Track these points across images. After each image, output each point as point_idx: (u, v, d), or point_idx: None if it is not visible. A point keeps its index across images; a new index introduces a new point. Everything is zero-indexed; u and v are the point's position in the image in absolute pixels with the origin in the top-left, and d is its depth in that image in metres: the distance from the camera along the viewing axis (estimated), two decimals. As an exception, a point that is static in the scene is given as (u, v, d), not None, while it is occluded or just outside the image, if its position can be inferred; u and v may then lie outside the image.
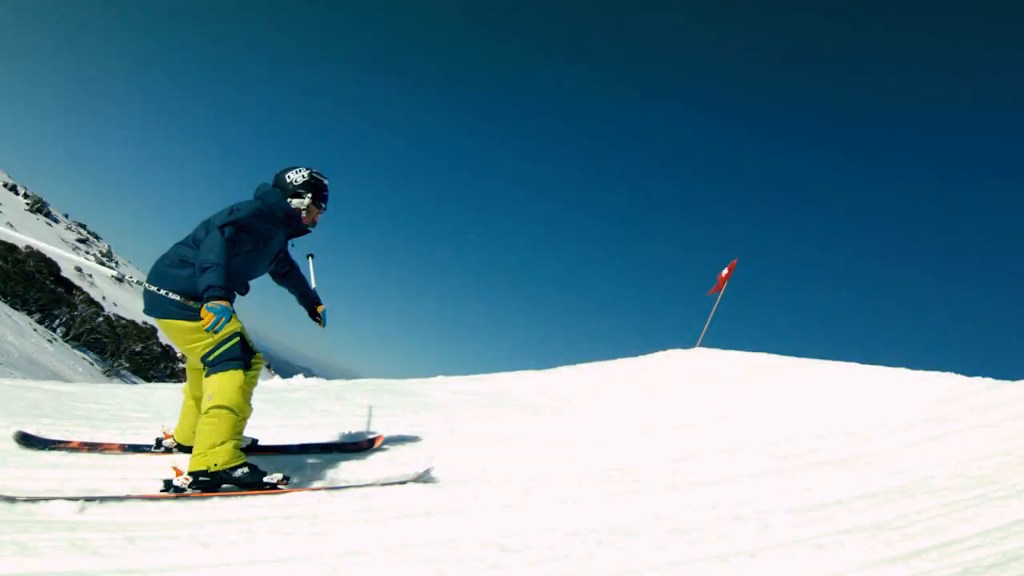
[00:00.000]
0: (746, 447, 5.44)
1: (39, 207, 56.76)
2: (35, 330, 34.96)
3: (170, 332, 3.74)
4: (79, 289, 44.08)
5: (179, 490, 3.41)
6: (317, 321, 4.50)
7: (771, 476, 4.61)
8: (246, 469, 3.56)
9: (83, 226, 63.34)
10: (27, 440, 3.84)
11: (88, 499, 3.07)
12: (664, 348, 11.32)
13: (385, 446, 4.91)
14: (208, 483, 3.46)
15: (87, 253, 57.12)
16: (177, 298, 3.62)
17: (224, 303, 3.45)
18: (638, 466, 4.86)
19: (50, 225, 56.80)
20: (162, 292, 3.64)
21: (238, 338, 3.64)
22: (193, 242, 3.72)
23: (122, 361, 38.97)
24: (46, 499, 2.99)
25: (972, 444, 5.47)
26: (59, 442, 3.91)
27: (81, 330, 39.29)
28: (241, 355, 3.62)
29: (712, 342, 11.41)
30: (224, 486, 3.51)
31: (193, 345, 3.67)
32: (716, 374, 9.09)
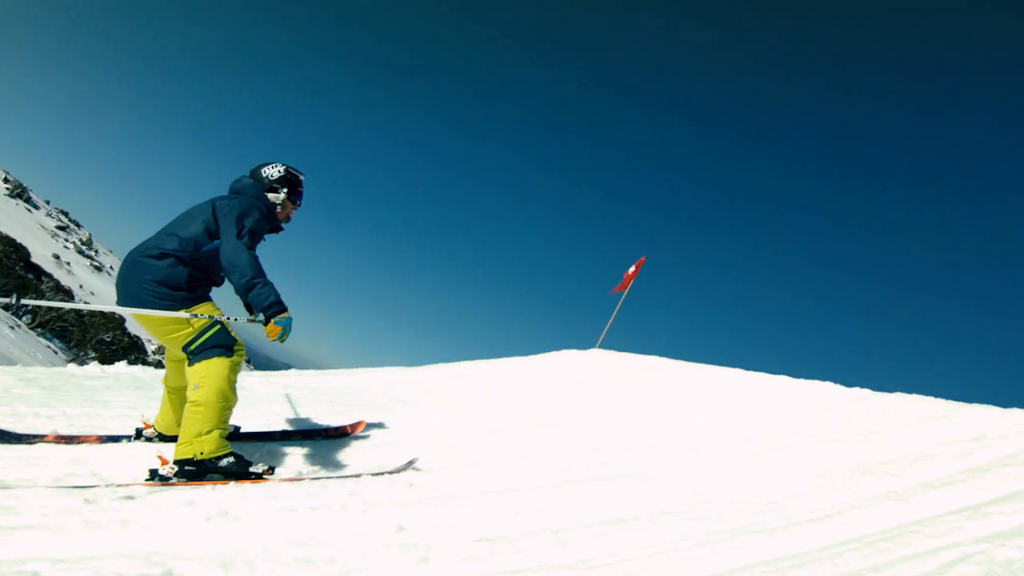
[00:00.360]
0: (533, 458, 4.76)
1: (19, 192, 56.17)
2: (-4, 316, 34.33)
3: (147, 324, 3.70)
4: (49, 276, 43.38)
5: (164, 479, 3.47)
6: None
7: (518, 494, 3.96)
8: (232, 459, 3.62)
9: (65, 213, 62.74)
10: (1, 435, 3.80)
11: (76, 487, 3.14)
12: (563, 348, 10.61)
13: (366, 432, 5.11)
14: (194, 472, 3.53)
15: (66, 241, 56.51)
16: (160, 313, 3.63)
17: (288, 315, 3.64)
18: (375, 481, 4.17)
19: (30, 211, 56.23)
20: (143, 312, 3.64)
21: (219, 326, 3.69)
22: (175, 235, 3.70)
23: (88, 350, 38.27)
24: (37, 487, 3.09)
25: (794, 463, 4.80)
26: (33, 436, 3.88)
27: (47, 317, 38.61)
28: (224, 342, 3.66)
29: (619, 343, 10.72)
30: (210, 475, 3.58)
31: (173, 336, 3.65)
32: (591, 376, 8.43)
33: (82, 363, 37.60)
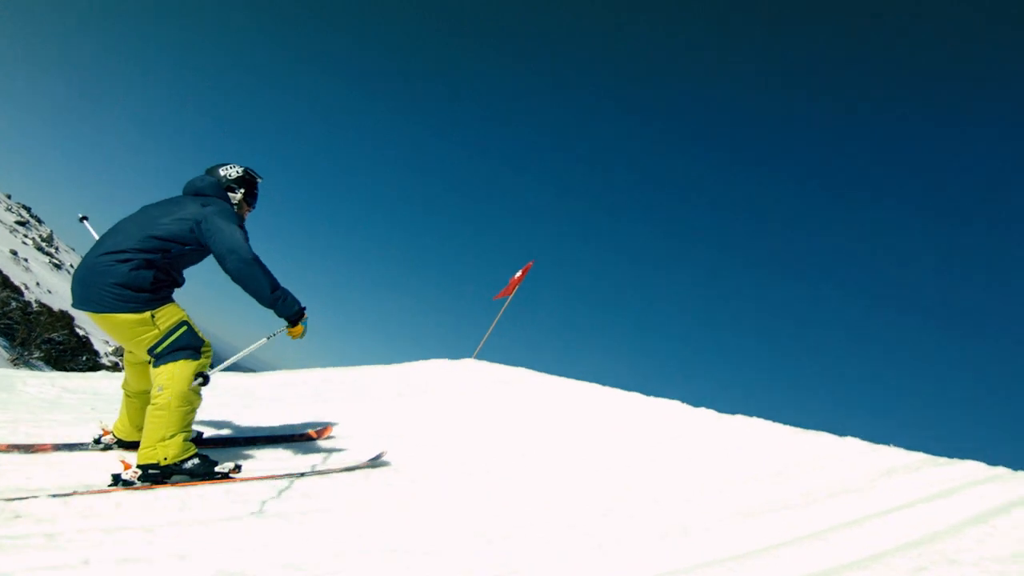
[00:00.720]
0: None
1: (-23, 186, 54.95)
2: (-68, 312, 33.08)
3: (110, 326, 3.50)
4: (-2, 272, 42.06)
5: (128, 483, 3.36)
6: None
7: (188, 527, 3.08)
8: (197, 460, 3.53)
9: (27, 208, 61.47)
10: None
11: (34, 497, 2.97)
12: (438, 357, 9.78)
13: (333, 435, 4.99)
14: (158, 475, 3.43)
15: (25, 236, 55.26)
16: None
17: (306, 315, 3.74)
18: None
19: (-12, 205, 55.03)
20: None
21: (185, 327, 3.58)
22: (141, 237, 3.52)
23: (32, 350, 36.91)
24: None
25: (549, 498, 3.99)
26: None
27: (-11, 315, 37.28)
28: (191, 344, 3.56)
29: (501, 354, 9.92)
30: (175, 477, 3.49)
31: (140, 338, 3.50)
32: (428, 388, 7.61)
33: (26, 363, 36.26)
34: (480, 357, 9.97)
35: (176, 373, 3.47)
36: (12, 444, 3.69)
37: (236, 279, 3.54)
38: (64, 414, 4.69)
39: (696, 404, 6.73)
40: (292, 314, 3.64)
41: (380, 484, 4.04)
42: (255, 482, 3.61)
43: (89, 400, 6.07)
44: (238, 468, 3.66)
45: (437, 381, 8.29)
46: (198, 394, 3.57)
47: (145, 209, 3.69)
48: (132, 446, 3.88)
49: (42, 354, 37.25)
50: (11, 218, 56.11)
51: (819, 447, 5.11)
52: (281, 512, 3.29)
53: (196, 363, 3.53)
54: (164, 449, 3.42)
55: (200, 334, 3.63)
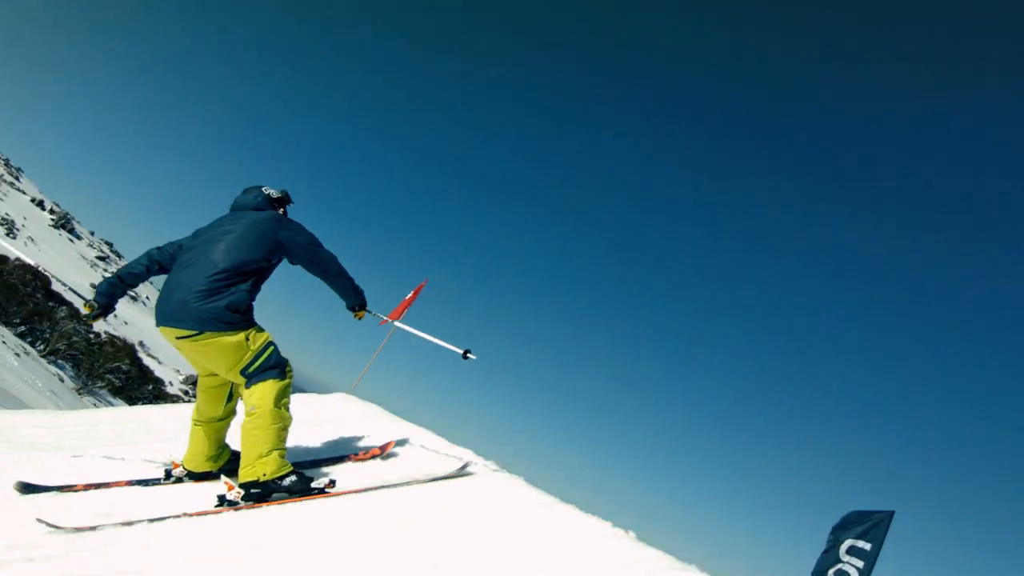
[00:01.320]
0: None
1: (63, 223, 58.86)
2: (4, 342, 35.06)
3: (210, 351, 3.61)
4: (69, 304, 44.47)
5: (233, 504, 3.49)
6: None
7: None
8: (294, 477, 3.63)
9: (109, 244, 65.32)
10: (28, 489, 3.62)
11: (151, 520, 3.02)
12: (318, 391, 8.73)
13: (395, 451, 5.05)
14: (259, 494, 3.54)
15: (106, 271, 58.59)
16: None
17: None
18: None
19: (72, 241, 58.66)
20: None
21: (273, 347, 3.75)
22: (240, 259, 3.67)
23: (98, 380, 38.52)
24: (103, 526, 2.93)
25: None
26: (63, 487, 3.70)
27: (58, 345, 39.27)
28: (279, 363, 3.73)
29: (390, 388, 8.76)
30: (275, 495, 3.58)
31: (235, 359, 3.63)
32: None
33: (91, 392, 37.69)
34: (357, 392, 8.82)
35: (267, 392, 3.60)
36: (88, 483, 3.73)
37: (325, 270, 3.98)
38: (127, 447, 4.69)
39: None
40: (362, 300, 4.29)
41: (461, 493, 4.14)
42: (350, 495, 3.74)
43: (142, 431, 5.63)
44: (332, 483, 3.80)
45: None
46: (288, 411, 3.70)
47: (221, 226, 3.82)
48: (203, 477, 4.01)
49: (105, 383, 38.90)
50: (92, 253, 59.69)
51: (568, 524, 3.78)
52: (383, 523, 3.40)
53: (283, 382, 3.68)
54: (263, 466, 3.52)
55: (281, 354, 3.81)
